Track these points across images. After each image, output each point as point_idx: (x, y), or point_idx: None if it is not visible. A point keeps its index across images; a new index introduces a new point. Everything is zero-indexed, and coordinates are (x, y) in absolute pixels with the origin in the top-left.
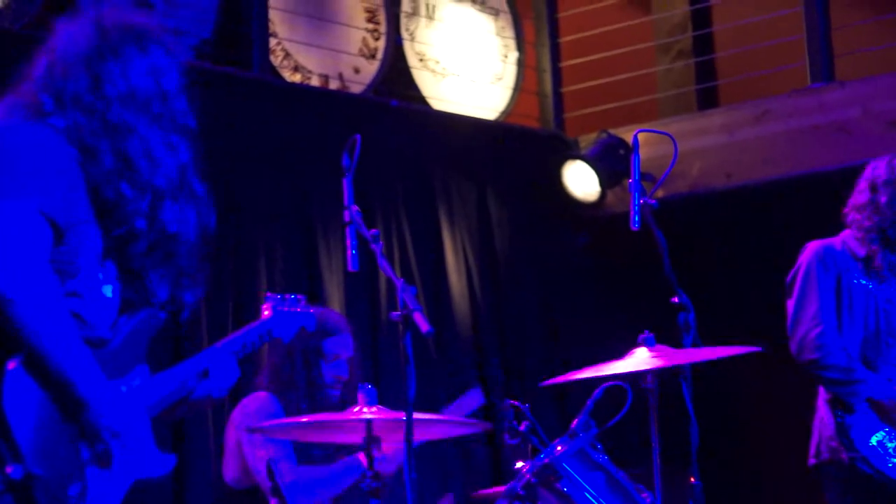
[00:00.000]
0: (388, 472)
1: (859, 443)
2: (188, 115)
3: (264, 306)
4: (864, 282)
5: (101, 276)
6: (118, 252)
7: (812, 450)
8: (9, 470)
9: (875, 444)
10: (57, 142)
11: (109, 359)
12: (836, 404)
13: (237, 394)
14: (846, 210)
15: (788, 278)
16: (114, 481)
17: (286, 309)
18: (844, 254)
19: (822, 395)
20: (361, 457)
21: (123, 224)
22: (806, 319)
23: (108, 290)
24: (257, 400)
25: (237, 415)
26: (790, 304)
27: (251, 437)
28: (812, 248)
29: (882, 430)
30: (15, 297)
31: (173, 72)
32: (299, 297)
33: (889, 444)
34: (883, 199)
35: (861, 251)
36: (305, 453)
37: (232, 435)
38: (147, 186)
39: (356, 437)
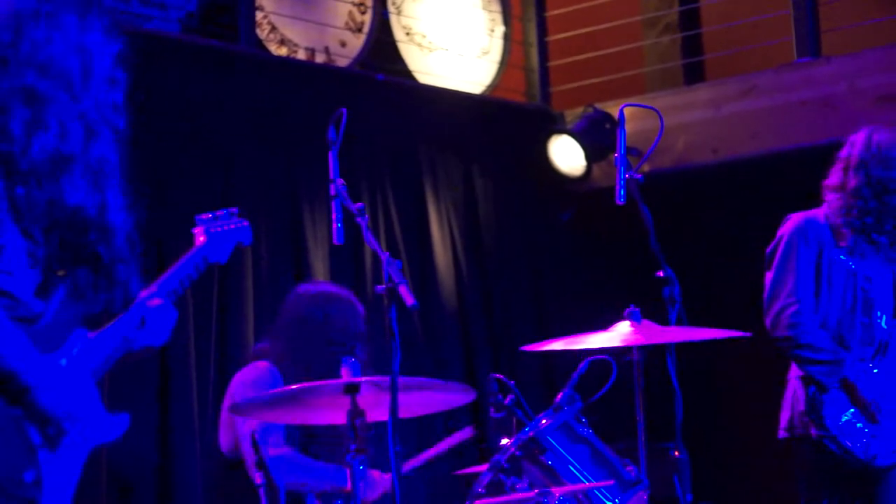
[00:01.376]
0: (371, 499)
1: (829, 421)
2: (118, 110)
3: (196, 230)
4: (844, 258)
5: (24, 244)
6: (17, 214)
7: (783, 423)
8: None
9: (844, 423)
10: None
11: (45, 332)
12: (808, 381)
13: (240, 362)
14: (823, 186)
15: (768, 250)
16: (68, 456)
17: (220, 229)
18: (827, 228)
19: (795, 370)
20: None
21: (22, 189)
22: (782, 295)
23: (31, 256)
24: (256, 370)
25: (235, 384)
26: (768, 276)
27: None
28: (794, 220)
29: (851, 409)
30: None
31: (106, 57)
32: (231, 210)
33: (858, 424)
34: (852, 183)
35: (841, 228)
36: (305, 448)
37: (228, 403)
38: (52, 155)
39: (340, 416)
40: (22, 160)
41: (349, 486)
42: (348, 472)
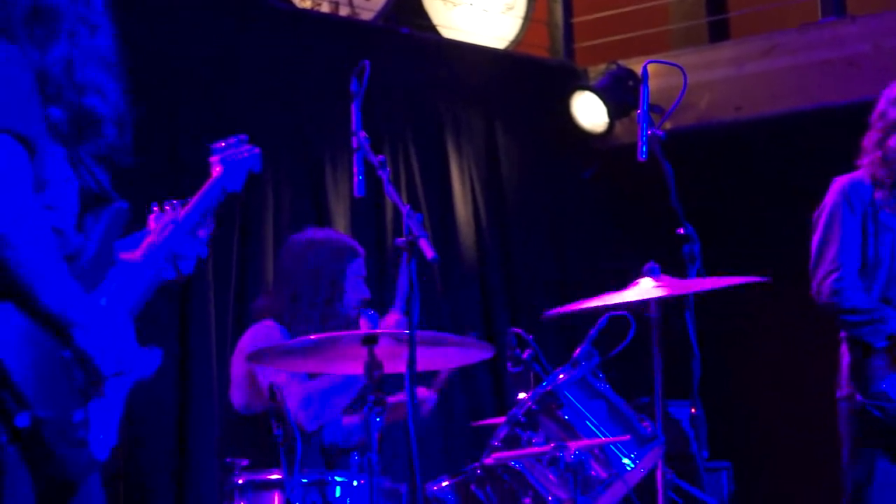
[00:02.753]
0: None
1: (871, 384)
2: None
3: (213, 160)
4: (888, 217)
5: (64, 179)
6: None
7: (837, 381)
8: (16, 420)
9: (886, 387)
10: (6, 48)
11: (87, 269)
12: (853, 343)
13: (246, 321)
14: (862, 146)
15: (815, 215)
16: (111, 395)
17: (235, 158)
18: (870, 188)
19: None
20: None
21: (60, 112)
22: (825, 262)
23: (69, 189)
24: (263, 328)
25: (244, 342)
26: (814, 242)
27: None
28: (839, 184)
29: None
30: (6, 231)
31: None
32: (241, 136)
33: None
34: (879, 136)
35: (880, 185)
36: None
37: (238, 362)
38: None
39: (357, 366)
40: (46, 78)
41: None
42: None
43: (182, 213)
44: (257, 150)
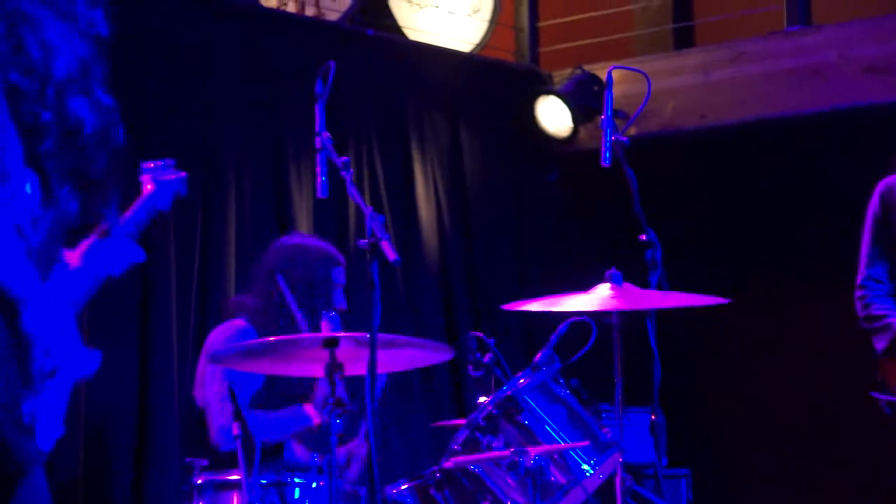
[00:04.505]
0: (351, 478)
1: (881, 386)
2: (100, 24)
3: (144, 178)
4: None
5: (24, 175)
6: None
7: None
8: None
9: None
10: None
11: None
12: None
13: (209, 321)
14: None
15: None
16: (56, 390)
17: (164, 178)
18: None
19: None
20: (308, 408)
21: (27, 116)
22: (859, 267)
23: (28, 188)
24: (231, 328)
25: (210, 341)
26: None
27: (212, 366)
28: (878, 186)
29: None
30: None
31: None
32: (168, 161)
33: None
34: None
35: None
36: (269, 400)
37: (205, 360)
38: (44, 76)
39: (318, 369)
40: (32, 84)
41: (315, 421)
42: (306, 408)
43: (118, 222)
44: (184, 174)
